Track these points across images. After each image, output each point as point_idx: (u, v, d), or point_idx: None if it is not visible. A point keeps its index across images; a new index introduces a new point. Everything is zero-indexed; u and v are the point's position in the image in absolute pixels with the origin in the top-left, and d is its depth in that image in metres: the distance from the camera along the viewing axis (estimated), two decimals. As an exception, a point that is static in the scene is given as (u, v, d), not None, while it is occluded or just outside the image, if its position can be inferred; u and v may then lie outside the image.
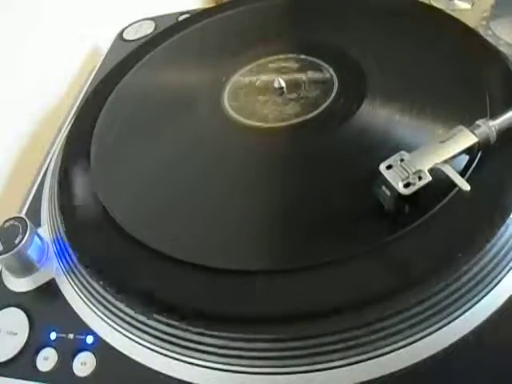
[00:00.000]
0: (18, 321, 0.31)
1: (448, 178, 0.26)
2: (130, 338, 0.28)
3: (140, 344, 0.28)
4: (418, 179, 0.26)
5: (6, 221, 0.32)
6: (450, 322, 0.25)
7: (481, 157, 0.29)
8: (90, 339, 0.29)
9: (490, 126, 0.28)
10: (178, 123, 0.39)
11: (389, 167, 0.27)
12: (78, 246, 0.31)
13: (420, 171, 0.26)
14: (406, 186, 0.26)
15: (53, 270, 0.33)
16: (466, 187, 0.26)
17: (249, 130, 0.35)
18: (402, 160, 0.27)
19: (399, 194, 0.26)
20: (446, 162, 0.27)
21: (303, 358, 0.25)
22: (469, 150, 0.28)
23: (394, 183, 0.26)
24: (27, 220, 0.32)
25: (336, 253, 0.27)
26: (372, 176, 0.28)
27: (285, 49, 0.41)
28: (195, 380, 0.26)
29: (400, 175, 0.26)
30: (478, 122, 0.28)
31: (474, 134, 0.28)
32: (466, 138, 0.28)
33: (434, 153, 0.27)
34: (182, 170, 0.35)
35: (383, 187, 0.27)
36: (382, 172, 0.27)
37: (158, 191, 0.34)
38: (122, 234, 0.31)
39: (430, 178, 0.26)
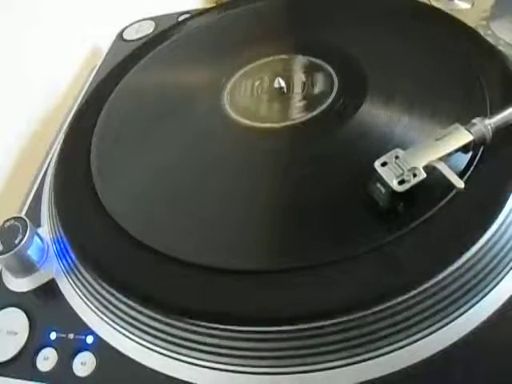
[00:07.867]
0: (18, 321, 0.31)
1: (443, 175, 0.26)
2: (130, 338, 0.28)
3: (140, 344, 0.28)
4: (412, 176, 0.26)
5: (6, 221, 0.32)
6: (450, 322, 0.25)
7: (478, 155, 0.29)
8: (89, 339, 0.29)
9: (486, 125, 0.28)
10: (178, 123, 0.39)
11: (384, 164, 0.27)
12: (78, 245, 0.31)
13: (415, 168, 0.26)
14: (401, 182, 0.26)
15: (53, 270, 0.33)
16: (460, 185, 0.26)
17: (249, 131, 0.35)
18: (396, 157, 0.27)
19: (393, 191, 0.26)
20: (440, 159, 0.27)
21: (303, 358, 0.25)
22: (464, 148, 0.28)
23: (388, 180, 0.26)
24: (27, 220, 0.32)
25: (334, 253, 0.27)
26: (370, 175, 0.28)
27: (285, 49, 0.41)
28: (195, 380, 0.26)
29: (394, 172, 0.26)
30: (473, 121, 0.28)
31: (470, 131, 0.28)
32: (462, 136, 0.28)
33: (429, 150, 0.27)
34: (182, 169, 0.35)
35: (378, 184, 0.27)
36: (377, 169, 0.27)
37: (158, 191, 0.34)
38: (122, 232, 0.31)
39: (425, 175, 0.26)
